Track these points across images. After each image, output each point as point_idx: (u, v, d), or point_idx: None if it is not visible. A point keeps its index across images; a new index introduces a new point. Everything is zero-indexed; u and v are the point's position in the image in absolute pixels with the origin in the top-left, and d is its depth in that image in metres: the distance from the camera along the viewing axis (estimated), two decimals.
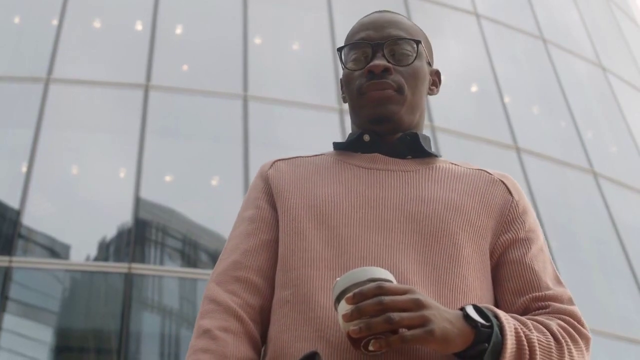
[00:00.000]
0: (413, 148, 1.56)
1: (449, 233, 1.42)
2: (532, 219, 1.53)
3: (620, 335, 9.85)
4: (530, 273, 1.44)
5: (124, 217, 8.90)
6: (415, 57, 1.57)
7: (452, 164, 1.58)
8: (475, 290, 1.39)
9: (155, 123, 9.83)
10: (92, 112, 9.88)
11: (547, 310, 1.40)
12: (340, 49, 1.62)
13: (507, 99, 12.00)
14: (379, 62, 1.53)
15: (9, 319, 8.01)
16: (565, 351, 1.33)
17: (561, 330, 1.35)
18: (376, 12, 1.64)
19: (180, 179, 9.56)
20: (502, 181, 1.55)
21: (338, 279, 1.26)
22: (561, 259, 10.02)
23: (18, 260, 8.42)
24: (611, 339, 9.68)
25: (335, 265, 1.38)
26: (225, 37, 11.01)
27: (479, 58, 12.38)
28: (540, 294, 1.42)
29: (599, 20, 15.45)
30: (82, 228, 8.90)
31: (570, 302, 1.43)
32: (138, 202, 9.03)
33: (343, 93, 1.63)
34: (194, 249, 9.16)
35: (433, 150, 1.60)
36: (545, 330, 1.33)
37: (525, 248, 1.47)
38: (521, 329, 1.30)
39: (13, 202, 8.83)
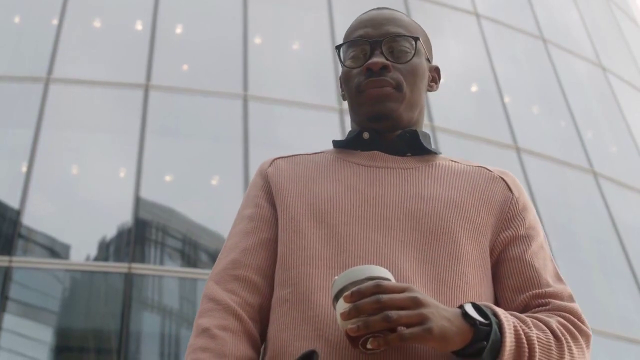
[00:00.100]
0: (412, 145, 1.56)
1: (449, 231, 1.41)
2: (532, 215, 1.52)
3: (620, 335, 9.85)
4: (530, 270, 1.44)
5: (124, 217, 8.90)
6: (414, 54, 1.57)
7: (452, 161, 1.58)
8: (475, 288, 1.38)
9: (155, 123, 9.83)
10: (92, 112, 9.88)
11: (547, 307, 1.39)
12: (338, 47, 1.61)
13: (507, 99, 12.00)
14: (377, 59, 1.52)
15: (9, 319, 8.01)
16: (565, 349, 1.32)
17: (561, 328, 1.34)
18: (374, 9, 1.64)
19: (180, 178, 9.56)
20: (502, 178, 1.54)
21: (336, 277, 1.26)
22: (561, 259, 10.01)
23: (18, 260, 8.42)
24: (611, 339, 9.68)
25: (335, 264, 1.38)
26: (225, 37, 11.01)
27: (479, 58, 12.38)
28: (540, 291, 1.41)
29: (599, 20, 15.45)
30: (82, 228, 8.90)
31: (570, 299, 1.42)
32: (138, 202, 9.03)
33: (342, 91, 1.62)
34: (194, 249, 9.16)
35: (433, 147, 1.59)
36: (545, 328, 1.32)
37: (525, 245, 1.47)
38: (520, 326, 1.29)
39: (13, 202, 8.83)
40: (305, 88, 10.77)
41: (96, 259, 8.74)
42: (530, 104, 12.44)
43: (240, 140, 9.83)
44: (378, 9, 1.63)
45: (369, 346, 1.22)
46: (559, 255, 10.05)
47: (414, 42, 1.57)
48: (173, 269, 8.76)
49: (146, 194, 9.13)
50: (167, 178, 9.58)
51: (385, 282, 1.22)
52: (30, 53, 10.40)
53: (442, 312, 1.23)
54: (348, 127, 10.27)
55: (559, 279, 1.46)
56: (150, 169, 9.34)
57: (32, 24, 10.82)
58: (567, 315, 1.38)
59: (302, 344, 1.32)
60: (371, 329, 1.18)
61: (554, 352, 1.31)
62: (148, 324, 8.42)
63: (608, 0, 16.31)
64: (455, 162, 1.57)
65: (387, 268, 1.36)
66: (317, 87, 10.82)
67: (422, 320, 1.20)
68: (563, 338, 1.33)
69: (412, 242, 1.40)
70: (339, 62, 1.58)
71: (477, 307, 1.28)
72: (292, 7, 11.76)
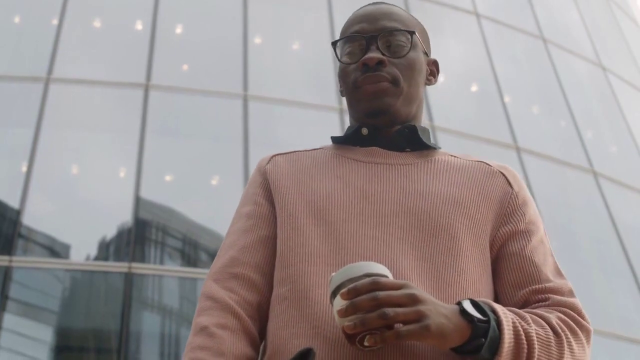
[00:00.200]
0: (411, 141, 1.55)
1: (448, 227, 1.40)
2: (532, 210, 1.51)
3: (620, 335, 9.85)
4: (530, 265, 1.43)
5: (124, 216, 8.90)
6: (410, 48, 1.55)
7: (452, 156, 1.56)
8: (474, 285, 1.37)
9: (155, 123, 9.83)
10: (92, 111, 9.88)
11: (547, 302, 1.38)
12: (334, 43, 1.60)
13: (507, 99, 12.00)
14: (373, 54, 1.52)
15: (9, 319, 8.01)
16: (565, 344, 1.31)
17: (561, 323, 1.33)
18: (370, 4, 1.62)
19: (180, 178, 9.56)
20: (501, 172, 1.53)
21: (333, 274, 1.26)
22: (561, 259, 10.00)
23: (18, 260, 8.42)
24: (611, 338, 9.68)
25: (333, 261, 1.37)
26: (225, 36, 11.01)
27: (479, 58, 12.38)
28: (540, 286, 1.40)
29: (599, 20, 15.45)
30: (82, 227, 8.90)
31: (570, 294, 1.41)
32: (138, 201, 9.03)
33: (341, 87, 1.61)
34: (194, 249, 9.16)
35: (432, 142, 1.58)
36: (545, 324, 1.31)
37: (525, 240, 1.45)
38: (519, 322, 1.28)
39: (13, 202, 8.83)
40: (305, 88, 10.77)
41: (96, 258, 8.74)
42: (530, 104, 12.44)
43: (240, 140, 9.83)
44: (374, 3, 1.62)
45: (366, 343, 1.21)
46: (559, 255, 10.03)
47: (410, 36, 1.56)
48: (173, 268, 8.76)
49: (146, 193, 9.13)
50: (167, 178, 9.57)
51: (382, 279, 1.21)
52: (30, 53, 10.40)
53: (439, 309, 1.22)
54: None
55: (559, 273, 1.45)
56: (150, 169, 9.34)
57: (32, 23, 10.82)
58: (567, 310, 1.37)
59: (300, 342, 1.32)
60: (368, 327, 1.17)
61: (554, 348, 1.30)
62: (148, 324, 8.42)
63: (608, 0, 16.31)
64: (454, 157, 1.56)
65: (385, 265, 1.35)
66: (317, 87, 10.82)
67: (419, 317, 1.19)
68: (563, 334, 1.32)
69: (410, 239, 1.39)
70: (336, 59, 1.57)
71: (475, 304, 1.27)
72: (292, 7, 11.76)
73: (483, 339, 1.24)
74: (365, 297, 1.18)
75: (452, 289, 1.35)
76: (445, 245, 1.39)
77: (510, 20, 13.41)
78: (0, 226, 8.73)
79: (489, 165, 1.54)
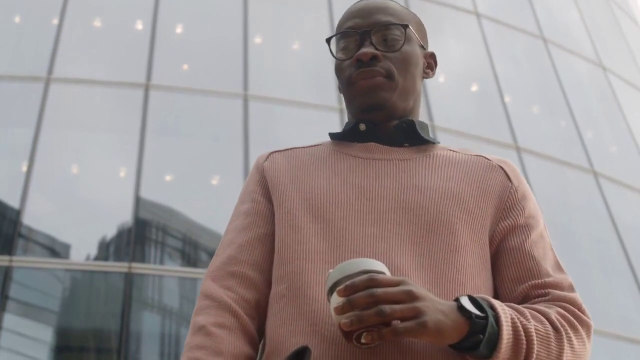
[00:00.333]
0: (410, 135, 1.53)
1: (447, 222, 1.39)
2: (532, 204, 1.50)
3: (620, 335, 9.84)
4: (530, 260, 1.41)
5: (124, 216, 8.90)
6: (404, 42, 1.54)
7: (451, 150, 1.55)
8: (473, 280, 1.36)
9: (155, 122, 9.83)
10: (92, 111, 9.88)
11: (547, 297, 1.37)
12: (329, 39, 1.60)
13: (507, 99, 12.00)
14: (367, 49, 1.50)
15: (9, 319, 8.01)
16: (565, 340, 1.30)
17: (560, 319, 1.32)
18: None
19: (180, 178, 9.55)
20: (500, 167, 1.51)
21: (331, 270, 1.25)
22: (561, 258, 9.98)
23: (18, 260, 8.42)
24: (611, 338, 9.67)
25: (331, 258, 1.37)
26: (225, 36, 11.01)
27: (479, 57, 12.38)
28: (539, 281, 1.39)
29: (599, 20, 15.45)
30: (82, 227, 8.90)
31: (570, 289, 1.40)
32: (138, 201, 9.03)
33: (339, 83, 1.60)
34: (194, 249, 9.16)
35: (431, 136, 1.57)
36: (544, 319, 1.30)
37: (524, 235, 1.44)
38: (518, 318, 1.27)
39: (13, 202, 8.83)
40: (305, 88, 10.77)
41: (96, 258, 8.74)
42: (531, 104, 12.44)
43: (241, 140, 9.83)
44: None
45: (363, 340, 1.20)
46: (559, 255, 10.01)
47: (404, 30, 1.55)
48: (173, 268, 8.76)
49: (146, 193, 9.13)
50: (167, 178, 9.57)
51: (379, 276, 1.20)
52: (31, 53, 10.40)
53: (437, 305, 1.21)
54: None
55: (559, 268, 1.44)
56: (150, 169, 9.34)
57: (32, 23, 10.82)
58: (567, 305, 1.36)
59: (298, 340, 1.31)
60: (365, 324, 1.17)
61: (553, 344, 1.29)
62: (148, 324, 8.42)
63: (608, 0, 16.31)
64: (453, 151, 1.55)
65: (383, 262, 1.34)
66: (317, 87, 10.82)
67: (417, 314, 1.18)
68: (562, 329, 1.31)
69: (409, 235, 1.38)
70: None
71: (473, 300, 1.26)
72: (292, 7, 11.76)
73: (481, 336, 1.23)
74: (361, 294, 1.17)
75: (451, 284, 1.34)
76: (444, 241, 1.38)
77: (511, 20, 13.41)
78: (1, 226, 8.73)
79: (489, 159, 1.53)
